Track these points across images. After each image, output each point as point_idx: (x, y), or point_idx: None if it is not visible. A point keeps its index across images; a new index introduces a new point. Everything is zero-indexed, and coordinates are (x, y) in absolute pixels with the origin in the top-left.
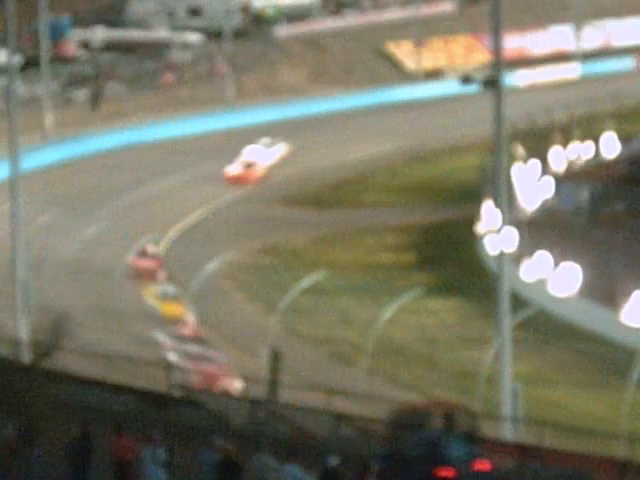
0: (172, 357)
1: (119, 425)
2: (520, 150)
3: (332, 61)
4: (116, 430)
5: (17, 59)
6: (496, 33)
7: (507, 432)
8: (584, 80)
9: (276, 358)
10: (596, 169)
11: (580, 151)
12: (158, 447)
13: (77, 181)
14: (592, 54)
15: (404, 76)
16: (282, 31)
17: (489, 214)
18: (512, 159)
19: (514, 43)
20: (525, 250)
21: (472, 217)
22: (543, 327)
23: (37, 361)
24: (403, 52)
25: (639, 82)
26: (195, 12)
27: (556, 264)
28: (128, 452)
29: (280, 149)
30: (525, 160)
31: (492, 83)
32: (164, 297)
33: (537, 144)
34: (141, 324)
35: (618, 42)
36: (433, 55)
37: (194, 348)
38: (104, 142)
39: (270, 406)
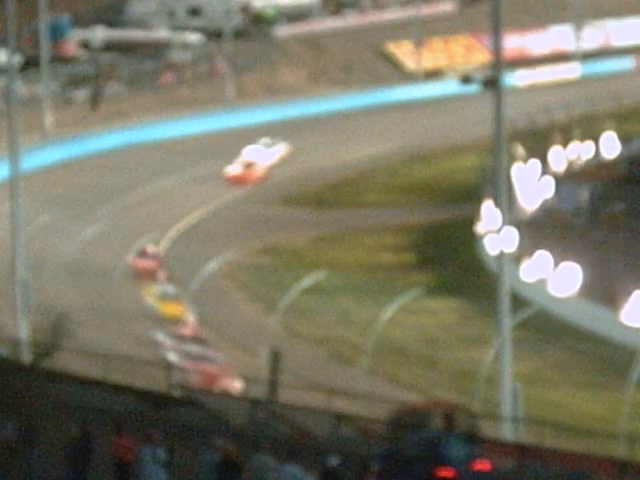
0: (172, 357)
1: (119, 425)
2: (520, 150)
3: (332, 61)
4: (116, 430)
5: (17, 59)
6: (496, 33)
7: (507, 432)
8: (584, 80)
9: (276, 358)
10: (596, 169)
11: (580, 151)
12: (158, 447)
13: (77, 181)
14: (592, 54)
15: (404, 76)
16: (282, 31)
17: (489, 214)
18: (512, 159)
19: (514, 43)
20: (525, 250)
21: (472, 217)
22: (543, 327)
23: (37, 361)
24: (403, 52)
25: (639, 82)
26: (195, 12)
27: (556, 264)
28: (128, 452)
29: (280, 149)
30: (525, 160)
31: (492, 83)
32: (164, 297)
33: (537, 144)
34: (141, 324)
35: (618, 42)
36: (433, 55)
37: (194, 348)
38: (104, 142)
39: (270, 406)
